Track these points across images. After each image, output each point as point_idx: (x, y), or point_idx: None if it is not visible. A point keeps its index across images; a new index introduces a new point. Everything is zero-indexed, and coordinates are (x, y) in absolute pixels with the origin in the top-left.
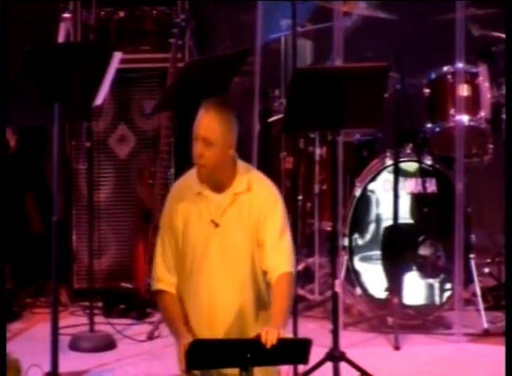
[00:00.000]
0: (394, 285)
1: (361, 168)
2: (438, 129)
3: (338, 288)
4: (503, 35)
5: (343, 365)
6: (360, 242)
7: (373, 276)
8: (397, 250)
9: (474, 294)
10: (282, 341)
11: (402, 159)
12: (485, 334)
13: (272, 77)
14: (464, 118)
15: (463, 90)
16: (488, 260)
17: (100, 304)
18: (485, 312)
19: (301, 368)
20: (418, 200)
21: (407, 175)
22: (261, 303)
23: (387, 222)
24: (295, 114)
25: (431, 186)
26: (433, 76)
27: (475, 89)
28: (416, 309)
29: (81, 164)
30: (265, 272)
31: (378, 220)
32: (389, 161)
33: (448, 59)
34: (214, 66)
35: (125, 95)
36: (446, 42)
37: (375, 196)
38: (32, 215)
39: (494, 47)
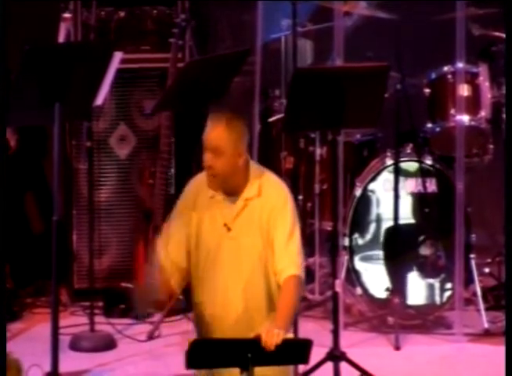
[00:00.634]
0: (396, 285)
1: (361, 167)
2: (438, 129)
3: (338, 288)
4: (503, 35)
5: (343, 365)
6: (360, 242)
7: (374, 276)
8: (397, 250)
9: (475, 294)
10: (282, 342)
11: (402, 159)
12: (486, 334)
13: (273, 77)
14: (464, 118)
15: (464, 90)
16: (489, 260)
17: (100, 304)
18: (486, 312)
19: (302, 368)
20: (418, 200)
21: (407, 174)
22: (273, 305)
23: (388, 221)
24: (295, 114)
25: (432, 186)
26: (433, 76)
27: (475, 89)
28: (417, 308)
29: (82, 163)
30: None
31: (378, 220)
32: (389, 161)
33: (448, 59)
34: (214, 66)
35: (125, 95)
36: (446, 42)
37: (375, 196)
38: (32, 215)
39: (494, 47)
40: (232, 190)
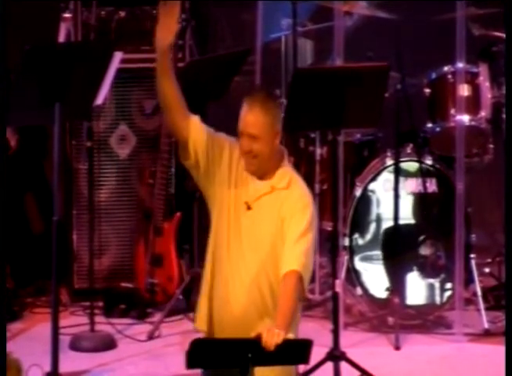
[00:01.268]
0: (396, 285)
1: (361, 167)
2: (438, 129)
3: (339, 288)
4: (504, 35)
5: (343, 365)
6: (360, 242)
7: (374, 276)
8: (397, 250)
9: (475, 294)
10: (283, 342)
11: (402, 159)
12: (486, 334)
13: (273, 76)
14: (465, 118)
15: (464, 90)
16: (489, 260)
17: (100, 304)
18: (486, 312)
19: (302, 368)
20: (419, 200)
21: (408, 174)
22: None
23: (388, 221)
24: (295, 114)
25: (432, 186)
26: (433, 76)
27: (476, 89)
28: (417, 308)
29: (82, 163)
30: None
31: (378, 220)
32: (389, 161)
33: (448, 59)
34: (214, 66)
35: (126, 95)
36: (447, 42)
37: (375, 196)
38: (32, 215)
39: (494, 47)
40: (263, 174)
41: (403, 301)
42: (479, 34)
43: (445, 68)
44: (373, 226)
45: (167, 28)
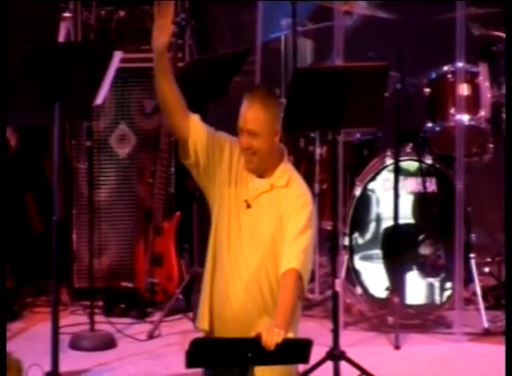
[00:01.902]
0: (396, 285)
1: (361, 167)
2: (438, 129)
3: (338, 287)
4: (504, 35)
5: (343, 364)
6: (360, 241)
7: (374, 276)
8: (397, 249)
9: (475, 294)
10: (283, 341)
11: (402, 158)
12: (486, 334)
13: (273, 76)
14: (464, 118)
15: (464, 89)
16: (489, 259)
17: (100, 303)
18: (486, 312)
19: (302, 367)
20: (418, 199)
21: (407, 174)
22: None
23: (388, 221)
24: (295, 114)
25: (431, 186)
26: (433, 75)
27: (475, 89)
28: (417, 308)
29: (82, 163)
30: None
31: (378, 219)
32: (389, 160)
33: (448, 59)
34: (214, 66)
35: (125, 95)
36: (446, 42)
37: (375, 195)
38: (32, 215)
39: (494, 46)
40: (262, 172)
41: (403, 301)
42: (479, 33)
43: (445, 68)
44: (372, 226)
45: (163, 28)
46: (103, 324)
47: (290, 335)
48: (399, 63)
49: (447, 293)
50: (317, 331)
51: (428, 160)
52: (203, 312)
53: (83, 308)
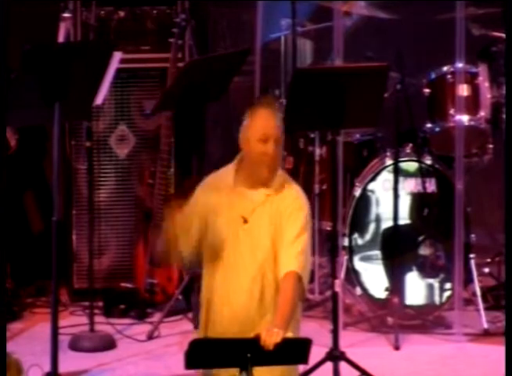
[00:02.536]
0: (396, 285)
1: (361, 167)
2: (437, 129)
3: (338, 288)
4: (503, 35)
5: (343, 365)
6: (360, 242)
7: (373, 276)
8: (397, 250)
9: (474, 294)
10: (282, 341)
11: (401, 159)
12: (485, 334)
13: (272, 76)
14: (464, 118)
15: (463, 90)
16: (488, 260)
17: (100, 304)
18: (485, 312)
19: (301, 368)
20: (418, 199)
21: (407, 174)
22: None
23: (387, 221)
24: (295, 114)
25: (431, 186)
26: (433, 76)
27: (475, 89)
28: (416, 308)
29: (81, 164)
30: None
31: (378, 220)
32: (389, 161)
33: (448, 59)
34: (214, 66)
35: (125, 95)
36: (446, 42)
37: (375, 195)
38: (32, 215)
39: (494, 47)
40: (261, 182)
41: (403, 301)
42: (479, 34)
43: (445, 68)
44: (372, 226)
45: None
46: (103, 325)
47: (290, 335)
48: (399, 64)
49: (447, 293)
50: (317, 332)
51: (428, 161)
52: (202, 327)
53: (83, 308)
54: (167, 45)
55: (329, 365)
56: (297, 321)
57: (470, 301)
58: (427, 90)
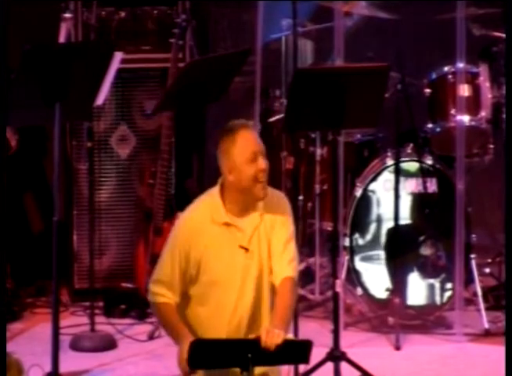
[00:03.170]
0: (397, 285)
1: (362, 167)
2: (438, 129)
3: (339, 288)
4: (504, 35)
5: (344, 365)
6: (361, 242)
7: (374, 276)
8: (398, 250)
9: (475, 294)
10: (283, 342)
11: (402, 159)
12: (486, 334)
13: (273, 77)
14: (465, 118)
15: (464, 90)
16: (489, 260)
17: (101, 304)
18: (486, 312)
19: (302, 368)
20: (419, 200)
21: (408, 174)
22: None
23: (388, 222)
24: (296, 114)
25: (432, 186)
26: (434, 76)
27: (476, 89)
28: (417, 308)
29: (82, 164)
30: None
31: (379, 220)
32: (390, 161)
33: (448, 59)
34: (215, 66)
35: (126, 95)
36: (446, 42)
37: (376, 196)
38: (32, 215)
39: (495, 47)
40: (249, 205)
41: (403, 302)
42: (479, 34)
43: (446, 68)
44: (373, 226)
45: None
46: (104, 325)
47: (290, 336)
48: (399, 64)
49: (447, 293)
50: (317, 332)
51: (429, 161)
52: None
53: (83, 308)
54: (168, 46)
55: (329, 365)
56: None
57: (470, 302)
58: (427, 90)
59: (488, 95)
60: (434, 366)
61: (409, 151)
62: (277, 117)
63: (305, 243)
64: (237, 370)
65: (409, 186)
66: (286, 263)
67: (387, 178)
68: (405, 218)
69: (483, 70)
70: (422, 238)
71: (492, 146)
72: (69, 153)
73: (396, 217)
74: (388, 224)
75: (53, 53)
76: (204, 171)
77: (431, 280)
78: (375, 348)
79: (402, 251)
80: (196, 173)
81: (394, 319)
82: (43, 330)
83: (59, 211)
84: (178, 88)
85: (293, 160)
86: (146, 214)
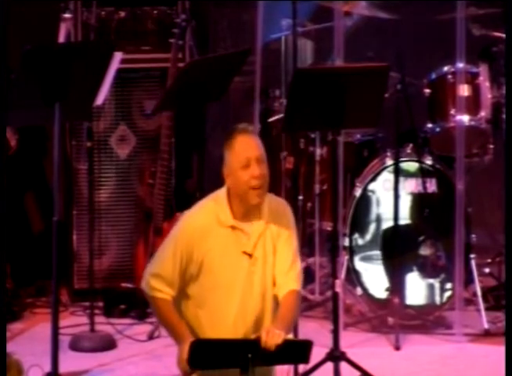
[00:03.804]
0: (396, 285)
1: (361, 167)
2: (438, 129)
3: (339, 288)
4: (504, 35)
5: (343, 365)
6: (360, 242)
7: (374, 276)
8: (397, 250)
9: (475, 294)
10: (283, 342)
11: (402, 159)
12: (486, 334)
13: (273, 77)
14: (465, 118)
15: (464, 90)
16: (489, 260)
17: (101, 304)
18: (486, 312)
19: (302, 368)
20: (418, 200)
21: (407, 174)
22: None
23: (388, 222)
24: (296, 114)
25: (432, 186)
26: (433, 76)
27: (476, 89)
28: (417, 308)
29: (82, 164)
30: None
31: (378, 220)
32: (389, 161)
33: (448, 59)
34: (214, 66)
35: (126, 95)
36: (446, 42)
37: (375, 196)
38: (32, 215)
39: (494, 47)
40: (252, 210)
41: (403, 302)
42: (479, 34)
43: (445, 68)
44: (372, 226)
45: None
46: (103, 325)
47: (290, 336)
48: (399, 64)
49: (447, 294)
50: (317, 332)
51: (428, 161)
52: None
53: (83, 308)
54: (168, 46)
55: (329, 365)
56: None
57: (470, 302)
58: (427, 90)
59: (487, 95)
60: (434, 367)
61: (408, 151)
62: (277, 117)
63: (305, 243)
64: (237, 370)
65: (409, 186)
66: (293, 278)
67: (386, 178)
68: (405, 218)
69: (483, 70)
70: (422, 238)
71: (491, 146)
72: (69, 153)
73: (396, 217)
74: (388, 224)
75: (53, 53)
76: (204, 171)
77: (431, 280)
78: (375, 349)
79: (401, 251)
80: (196, 173)
81: (393, 319)
82: (43, 330)
83: (59, 211)
84: (178, 88)
85: (292, 160)
86: (145, 214)
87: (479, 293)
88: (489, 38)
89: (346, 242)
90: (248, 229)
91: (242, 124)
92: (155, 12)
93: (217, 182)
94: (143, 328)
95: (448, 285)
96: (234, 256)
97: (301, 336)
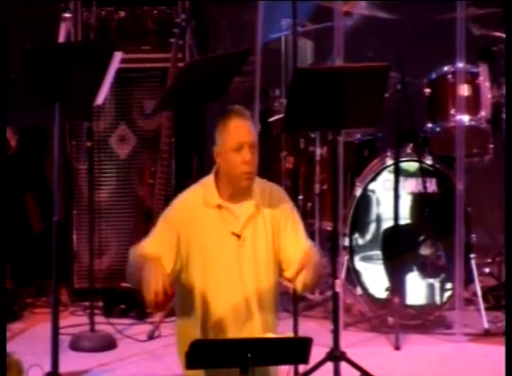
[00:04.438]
0: (396, 285)
1: (361, 167)
2: (438, 129)
3: (339, 288)
4: (504, 35)
5: (343, 365)
6: (361, 242)
7: (374, 276)
8: (398, 250)
9: (475, 294)
10: (282, 341)
11: (402, 159)
12: (486, 334)
13: (273, 77)
14: (465, 118)
15: (464, 90)
16: (489, 260)
17: (101, 304)
18: (486, 312)
19: (302, 368)
20: (418, 199)
21: (407, 174)
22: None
23: (388, 221)
24: (295, 114)
25: (432, 186)
26: (433, 76)
27: (476, 89)
28: (417, 308)
29: (82, 164)
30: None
31: (378, 220)
32: (389, 161)
33: (448, 59)
34: (214, 66)
35: (126, 95)
36: (446, 42)
37: (375, 195)
38: (32, 215)
39: (494, 47)
40: (241, 193)
41: (403, 301)
42: (479, 33)
43: (445, 68)
44: (373, 226)
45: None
46: (103, 325)
47: (290, 334)
48: (399, 64)
49: (447, 293)
50: (317, 332)
51: (428, 161)
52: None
53: (83, 308)
54: (168, 45)
55: (329, 365)
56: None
57: (470, 301)
58: (427, 90)
59: (487, 95)
60: (434, 366)
61: (408, 151)
62: (277, 117)
63: None
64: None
65: (409, 186)
66: (306, 247)
67: (386, 178)
68: (405, 218)
69: (483, 70)
70: (422, 238)
71: (491, 145)
72: (69, 153)
73: (396, 217)
74: (388, 224)
75: (53, 53)
76: (204, 171)
77: (431, 280)
78: (375, 348)
79: (401, 250)
80: (196, 173)
81: (393, 319)
82: (43, 330)
83: (59, 211)
84: (178, 88)
85: (292, 160)
86: (145, 214)
87: (479, 293)
88: (489, 38)
89: (346, 242)
90: (237, 211)
91: (238, 105)
92: (155, 11)
93: None
94: (143, 328)
95: (449, 285)
96: (222, 237)
97: (301, 335)
